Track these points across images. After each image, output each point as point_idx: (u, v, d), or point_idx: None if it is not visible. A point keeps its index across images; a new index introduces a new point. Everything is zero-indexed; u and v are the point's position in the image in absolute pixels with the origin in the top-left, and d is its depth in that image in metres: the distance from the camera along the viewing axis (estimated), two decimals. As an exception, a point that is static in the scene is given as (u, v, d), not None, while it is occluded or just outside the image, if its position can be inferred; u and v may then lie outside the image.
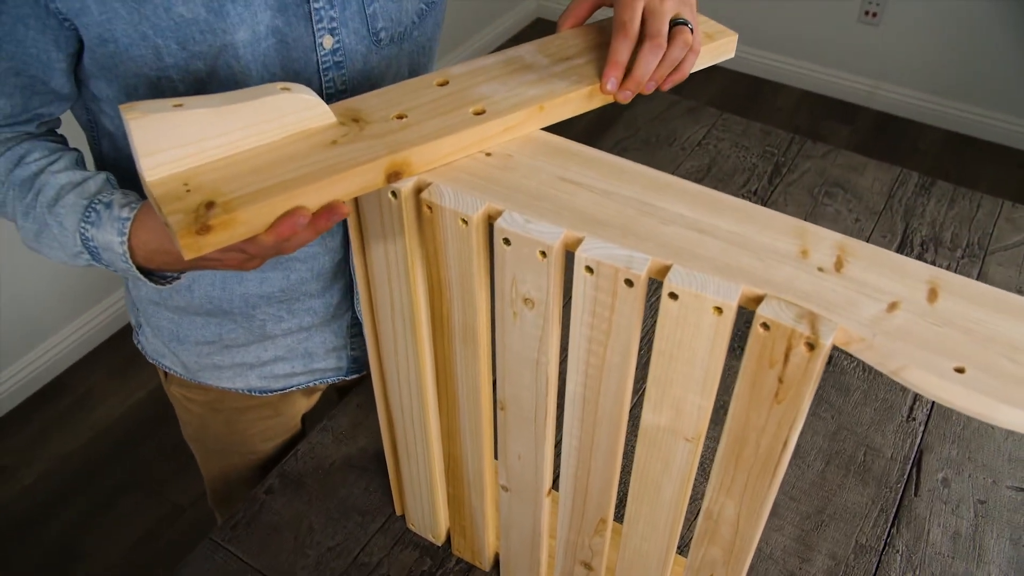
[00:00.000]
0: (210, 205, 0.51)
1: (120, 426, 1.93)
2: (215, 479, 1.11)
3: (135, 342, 0.98)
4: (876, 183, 1.32)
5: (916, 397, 1.01)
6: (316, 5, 0.68)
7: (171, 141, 0.53)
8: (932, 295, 0.49)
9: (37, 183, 0.69)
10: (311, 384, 0.97)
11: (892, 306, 0.49)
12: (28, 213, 0.70)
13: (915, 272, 0.51)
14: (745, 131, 1.43)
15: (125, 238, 0.66)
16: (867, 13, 2.62)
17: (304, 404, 1.04)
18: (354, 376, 1.00)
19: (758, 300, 0.49)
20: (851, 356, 1.05)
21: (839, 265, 0.51)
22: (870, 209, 1.27)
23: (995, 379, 0.45)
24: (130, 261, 0.67)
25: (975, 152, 2.63)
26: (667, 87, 0.65)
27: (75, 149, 0.75)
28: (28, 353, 1.94)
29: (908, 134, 2.71)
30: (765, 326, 0.48)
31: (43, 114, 0.72)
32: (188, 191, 0.52)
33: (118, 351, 2.07)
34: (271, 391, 0.96)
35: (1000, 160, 2.60)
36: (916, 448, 0.96)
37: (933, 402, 1.01)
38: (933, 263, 1.17)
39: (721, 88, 2.92)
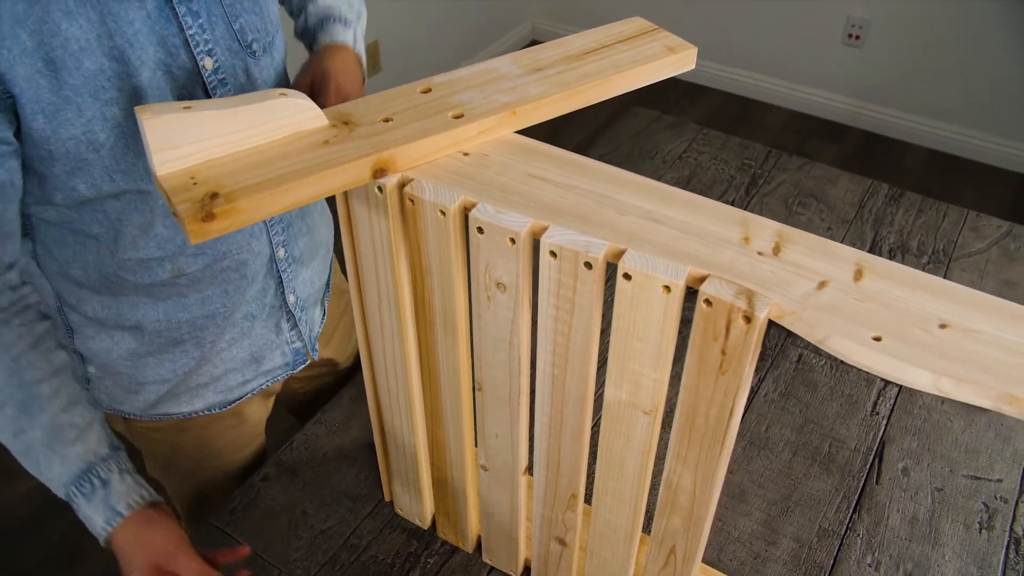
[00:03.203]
0: (214, 196, 0.57)
1: (122, 433, 1.98)
2: (192, 501, 1.12)
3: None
4: (848, 194, 1.38)
5: (880, 393, 1.07)
6: (191, 32, 0.73)
7: (180, 139, 0.59)
8: (858, 275, 0.55)
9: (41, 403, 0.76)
10: (265, 386, 1.00)
11: (821, 284, 0.54)
12: (18, 435, 0.77)
13: (844, 255, 0.57)
14: (724, 145, 1.49)
15: (110, 530, 0.78)
16: (851, 36, 2.70)
17: (264, 410, 1.07)
18: (301, 368, 1.04)
19: (702, 279, 0.55)
20: (819, 354, 1.11)
21: (777, 250, 0.57)
22: (841, 218, 1.33)
23: (907, 346, 0.50)
24: (102, 536, 0.79)
25: (958, 170, 2.70)
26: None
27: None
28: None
29: (893, 153, 2.78)
30: (708, 302, 0.54)
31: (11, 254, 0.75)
32: (195, 184, 0.58)
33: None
34: (230, 402, 0.98)
35: (982, 178, 2.67)
36: (879, 440, 1.01)
37: (896, 398, 1.06)
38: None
39: (710, 108, 3.00)
